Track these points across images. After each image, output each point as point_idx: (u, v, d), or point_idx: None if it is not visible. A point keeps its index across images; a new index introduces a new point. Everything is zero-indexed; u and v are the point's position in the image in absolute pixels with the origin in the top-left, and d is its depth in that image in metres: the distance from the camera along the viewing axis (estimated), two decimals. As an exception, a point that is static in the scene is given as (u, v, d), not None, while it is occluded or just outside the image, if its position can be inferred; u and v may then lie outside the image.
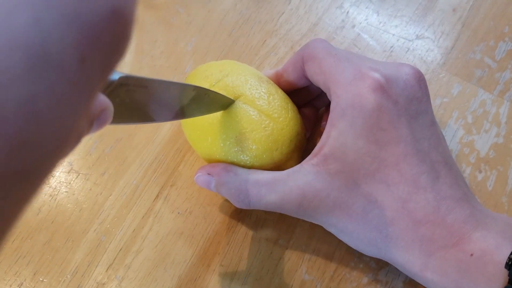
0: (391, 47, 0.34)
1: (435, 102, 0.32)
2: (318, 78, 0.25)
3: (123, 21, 0.12)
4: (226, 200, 0.29)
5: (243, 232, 0.28)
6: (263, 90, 0.25)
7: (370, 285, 0.26)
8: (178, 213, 0.28)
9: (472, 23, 0.34)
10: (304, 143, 0.27)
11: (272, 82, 0.27)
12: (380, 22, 0.35)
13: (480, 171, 0.29)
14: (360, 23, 0.35)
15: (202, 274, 0.27)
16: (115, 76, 0.16)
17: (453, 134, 0.31)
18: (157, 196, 0.29)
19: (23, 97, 0.09)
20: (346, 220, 0.23)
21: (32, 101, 0.10)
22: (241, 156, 0.24)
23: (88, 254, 0.27)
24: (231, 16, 0.35)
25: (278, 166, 0.25)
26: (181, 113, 0.23)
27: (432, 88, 0.32)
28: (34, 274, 0.27)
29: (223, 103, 0.25)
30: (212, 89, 0.25)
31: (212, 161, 0.26)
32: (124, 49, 0.12)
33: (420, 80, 0.24)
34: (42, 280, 0.27)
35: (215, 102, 0.24)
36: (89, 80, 0.11)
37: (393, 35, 0.34)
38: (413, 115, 0.23)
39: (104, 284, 0.27)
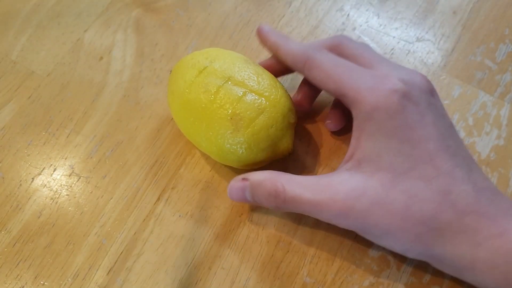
0: (392, 49, 0.34)
1: (435, 104, 0.32)
2: (326, 86, 0.26)
3: None
4: (227, 203, 0.29)
5: (244, 235, 0.28)
6: (251, 71, 0.26)
7: (372, 287, 0.26)
8: (179, 216, 0.28)
9: (472, 25, 0.34)
10: (295, 119, 0.27)
11: (257, 64, 0.28)
12: (381, 25, 0.35)
13: (481, 173, 0.29)
14: (361, 26, 0.35)
15: (203, 277, 0.27)
16: None
17: (454, 136, 0.31)
18: (158, 199, 0.29)
19: None
20: (388, 218, 0.23)
21: None
22: (238, 138, 0.25)
23: (89, 257, 0.27)
24: (232, 19, 0.35)
25: (274, 144, 0.26)
26: None
27: (432, 90, 0.32)
28: (35, 278, 0.27)
29: None
30: (201, 75, 0.26)
31: (208, 146, 0.26)
32: None
33: (432, 89, 0.25)
34: (43, 284, 0.27)
35: None
36: None
37: (394, 37, 0.34)
38: (436, 114, 0.24)
39: (105, 287, 0.27)
